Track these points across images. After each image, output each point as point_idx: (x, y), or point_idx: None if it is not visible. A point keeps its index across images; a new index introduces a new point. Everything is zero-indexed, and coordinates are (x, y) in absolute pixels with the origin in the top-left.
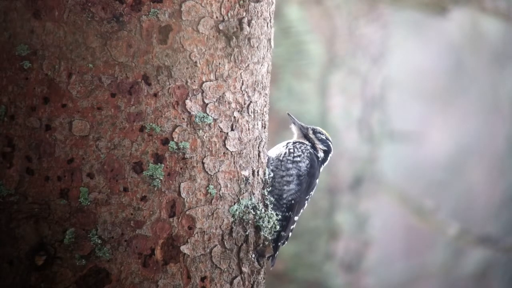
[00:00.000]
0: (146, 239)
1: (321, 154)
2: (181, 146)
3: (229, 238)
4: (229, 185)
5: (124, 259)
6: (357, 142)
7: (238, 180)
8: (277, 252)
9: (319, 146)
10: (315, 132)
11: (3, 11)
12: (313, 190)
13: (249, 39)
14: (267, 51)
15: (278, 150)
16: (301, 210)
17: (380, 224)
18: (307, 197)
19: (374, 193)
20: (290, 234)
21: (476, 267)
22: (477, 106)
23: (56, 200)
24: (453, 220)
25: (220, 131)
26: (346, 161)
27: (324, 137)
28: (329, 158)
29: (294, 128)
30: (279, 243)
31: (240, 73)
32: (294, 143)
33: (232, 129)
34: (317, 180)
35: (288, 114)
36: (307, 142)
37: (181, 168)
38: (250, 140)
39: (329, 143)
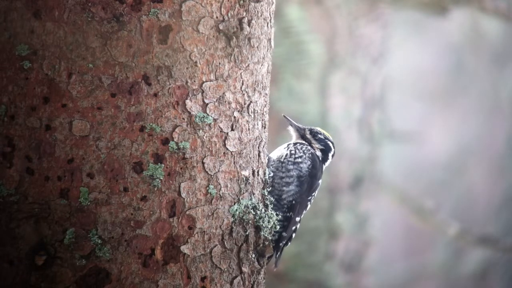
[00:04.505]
0: (146, 239)
1: (319, 154)
2: (181, 146)
3: (229, 238)
4: (229, 185)
5: (124, 259)
6: (357, 142)
7: (238, 180)
8: (281, 253)
9: (316, 145)
10: (312, 132)
11: (3, 11)
12: (316, 191)
13: (249, 39)
14: (267, 51)
15: (279, 151)
16: (303, 211)
17: (380, 224)
18: (309, 198)
19: (374, 193)
20: (293, 235)
21: (476, 267)
22: (477, 106)
23: (56, 200)
24: (453, 220)
25: (220, 131)
26: (346, 161)
27: (322, 137)
28: (330, 157)
29: (291, 130)
30: (280, 244)
31: (240, 73)
32: (295, 144)
33: (232, 129)
34: (320, 181)
35: (284, 116)
36: (306, 143)
37: (181, 168)
38: (250, 140)
39: (327, 142)
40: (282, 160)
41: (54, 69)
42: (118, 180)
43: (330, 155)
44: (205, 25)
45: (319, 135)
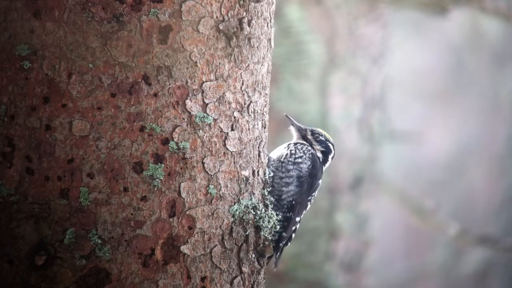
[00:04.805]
0: (146, 239)
1: (319, 155)
2: (181, 146)
3: (229, 238)
4: (229, 185)
5: (124, 259)
6: (357, 142)
7: (238, 180)
8: (281, 253)
9: (317, 147)
10: (313, 133)
11: (3, 11)
12: (316, 191)
13: (249, 39)
14: (267, 51)
15: (279, 151)
16: (303, 211)
17: (380, 224)
18: (309, 198)
19: (374, 193)
20: (293, 235)
21: (476, 267)
22: (477, 106)
23: (56, 200)
24: (453, 220)
25: (220, 131)
26: (346, 161)
27: (323, 138)
28: (330, 159)
29: (292, 130)
30: (280, 244)
31: (240, 73)
32: (295, 144)
33: (232, 129)
34: (320, 181)
35: (286, 116)
36: (306, 143)
37: (181, 168)
38: (250, 140)
39: (328, 143)
40: (282, 160)
41: (54, 69)
42: (118, 180)
43: (330, 157)
44: (205, 25)
45: (321, 137)
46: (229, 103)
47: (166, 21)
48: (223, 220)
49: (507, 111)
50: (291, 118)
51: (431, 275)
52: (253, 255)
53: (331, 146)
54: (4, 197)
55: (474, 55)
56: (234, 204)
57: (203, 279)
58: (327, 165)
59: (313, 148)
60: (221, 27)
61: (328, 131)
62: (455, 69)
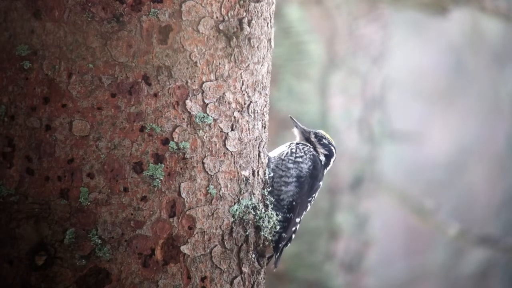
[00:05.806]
0: (146, 239)
1: (322, 158)
2: (181, 146)
3: (229, 238)
4: (229, 185)
5: (124, 259)
6: (357, 142)
7: (238, 180)
8: (280, 254)
9: (320, 150)
10: (317, 136)
11: (3, 11)
12: (316, 192)
13: (249, 39)
14: (267, 51)
15: (280, 149)
16: (304, 212)
17: (380, 224)
18: (309, 199)
19: (374, 193)
20: (293, 235)
21: (476, 267)
22: (477, 106)
23: (56, 200)
24: (453, 220)
25: (220, 131)
26: (346, 161)
27: (326, 142)
28: (331, 163)
29: (296, 132)
30: (280, 244)
31: (240, 73)
32: (297, 143)
33: (232, 129)
34: (321, 183)
35: (291, 117)
36: (308, 145)
37: (181, 168)
38: (250, 140)
39: (331, 147)
40: (282, 157)
41: (54, 69)
42: (118, 180)
43: (332, 160)
44: (205, 25)
45: (324, 140)
46: (229, 103)
47: (166, 21)
48: (223, 220)
49: (507, 111)
50: (295, 120)
51: (431, 275)
52: (253, 255)
53: (334, 150)
54: (4, 197)
55: (474, 55)
56: (234, 204)
57: (203, 279)
58: (328, 168)
59: (316, 151)
60: (221, 27)
61: (328, 131)
62: (455, 69)
